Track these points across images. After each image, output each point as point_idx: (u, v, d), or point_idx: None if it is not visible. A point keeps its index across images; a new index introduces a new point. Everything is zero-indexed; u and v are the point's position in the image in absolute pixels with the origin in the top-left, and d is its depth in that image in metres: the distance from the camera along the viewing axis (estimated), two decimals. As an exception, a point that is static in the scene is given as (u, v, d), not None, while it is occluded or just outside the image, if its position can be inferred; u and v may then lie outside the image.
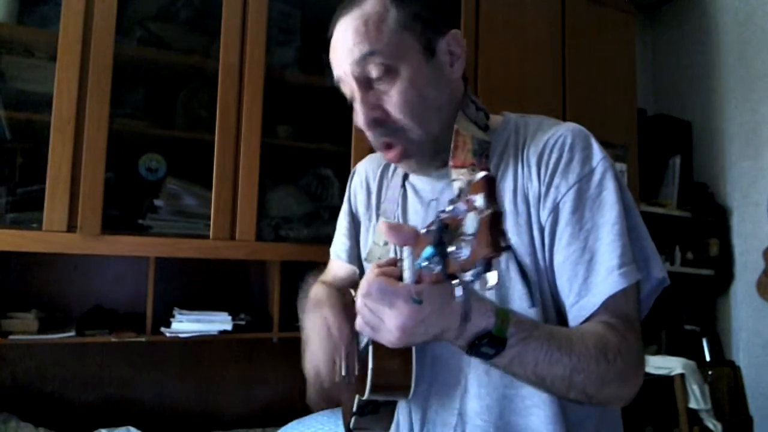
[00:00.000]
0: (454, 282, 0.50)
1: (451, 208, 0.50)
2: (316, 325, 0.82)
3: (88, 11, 1.51)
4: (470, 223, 0.46)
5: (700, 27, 3.09)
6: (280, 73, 1.86)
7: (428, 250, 0.52)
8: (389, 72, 0.77)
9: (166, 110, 1.82)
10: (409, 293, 0.56)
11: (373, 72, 0.77)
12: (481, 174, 0.47)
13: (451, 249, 0.48)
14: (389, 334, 0.60)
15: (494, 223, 0.45)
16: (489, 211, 0.45)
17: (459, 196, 0.51)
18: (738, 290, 2.84)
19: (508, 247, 0.46)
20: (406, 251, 0.57)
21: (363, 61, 0.77)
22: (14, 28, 1.60)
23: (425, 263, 0.52)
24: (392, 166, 0.97)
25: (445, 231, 0.50)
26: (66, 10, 1.49)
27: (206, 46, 1.78)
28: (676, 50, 3.23)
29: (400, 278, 0.61)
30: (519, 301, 0.76)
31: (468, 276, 0.47)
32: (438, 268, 0.51)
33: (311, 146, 1.92)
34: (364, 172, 1.04)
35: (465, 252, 0.46)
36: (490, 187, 0.46)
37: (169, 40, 1.78)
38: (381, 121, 0.79)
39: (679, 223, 2.91)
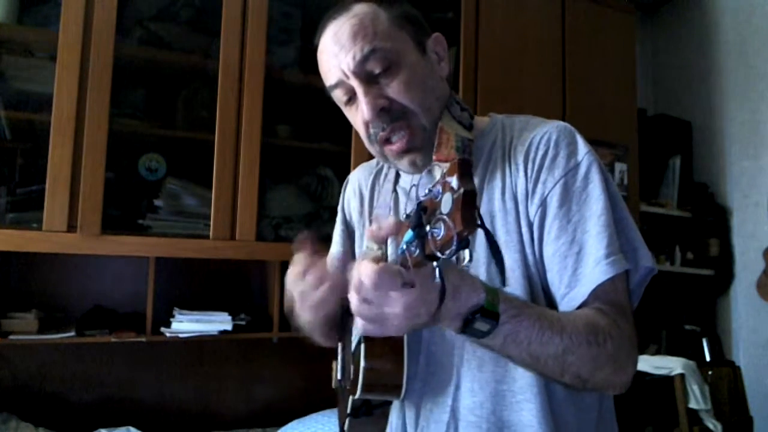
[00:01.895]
0: (434, 263, 0.52)
1: (428, 191, 0.52)
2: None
3: (88, 11, 1.51)
4: (446, 203, 0.48)
5: (700, 27, 3.09)
6: (280, 73, 1.87)
7: (408, 234, 0.53)
8: (391, 65, 0.78)
9: (166, 110, 1.82)
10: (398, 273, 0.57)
11: (376, 68, 0.77)
12: (457, 157, 0.49)
13: (428, 229, 0.50)
14: (395, 318, 0.58)
15: (467, 201, 0.46)
16: (462, 190, 0.46)
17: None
18: (738, 290, 2.84)
19: (481, 225, 0.47)
20: (390, 239, 0.58)
21: (365, 60, 0.77)
22: (14, 28, 1.60)
23: (405, 246, 0.54)
24: (383, 173, 0.99)
25: (424, 213, 0.52)
26: (66, 10, 1.49)
27: (206, 46, 1.78)
28: (676, 50, 3.23)
29: None
30: (490, 280, 0.76)
31: (444, 255, 0.48)
32: (417, 251, 0.52)
33: (311, 146, 1.92)
34: (356, 180, 1.05)
35: (441, 231, 0.48)
36: (464, 168, 0.48)
37: (169, 40, 1.78)
38: (387, 108, 0.79)
39: (679, 223, 2.91)
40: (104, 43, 1.53)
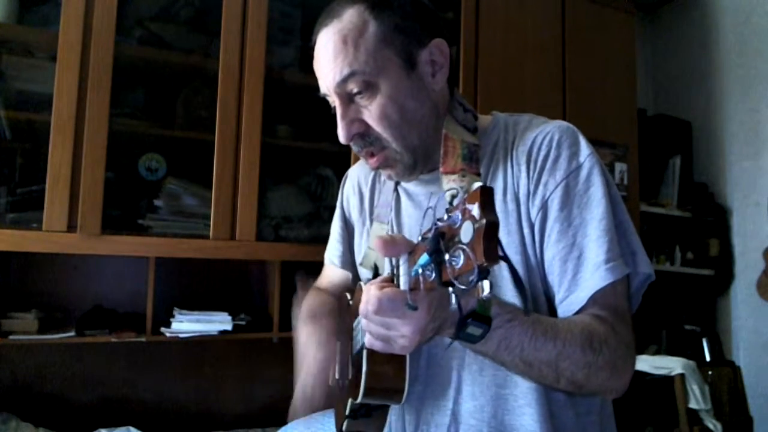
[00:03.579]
0: (450, 290, 0.51)
1: (447, 216, 0.51)
2: (312, 341, 0.85)
3: (88, 11, 1.51)
4: (466, 232, 0.47)
5: (700, 27, 3.09)
6: (280, 73, 1.87)
7: (424, 258, 0.52)
8: (369, 87, 0.77)
9: (166, 110, 1.82)
10: (405, 299, 0.56)
11: (355, 88, 0.78)
12: (478, 184, 0.48)
13: (446, 257, 0.49)
14: (403, 339, 0.60)
15: (489, 233, 0.45)
16: (484, 221, 0.45)
17: (452, 204, 0.52)
18: (738, 290, 2.84)
19: (503, 257, 0.47)
20: (402, 259, 0.58)
21: (344, 82, 0.78)
22: (14, 28, 1.60)
23: (420, 270, 0.53)
24: None
25: (442, 239, 0.51)
26: (66, 10, 1.49)
27: (206, 46, 1.78)
28: (676, 50, 3.23)
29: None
30: None
31: (462, 284, 0.48)
32: (433, 276, 0.51)
33: (311, 146, 1.92)
34: (356, 177, 1.04)
35: (460, 260, 0.47)
36: (486, 197, 0.47)
37: (169, 40, 1.78)
38: (360, 134, 0.80)
39: (679, 223, 2.91)
40: (104, 43, 1.53)
